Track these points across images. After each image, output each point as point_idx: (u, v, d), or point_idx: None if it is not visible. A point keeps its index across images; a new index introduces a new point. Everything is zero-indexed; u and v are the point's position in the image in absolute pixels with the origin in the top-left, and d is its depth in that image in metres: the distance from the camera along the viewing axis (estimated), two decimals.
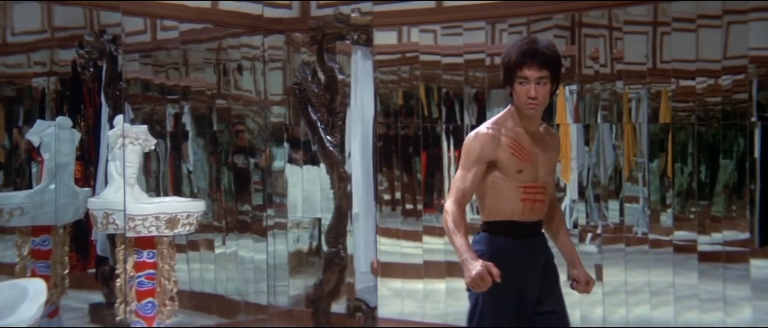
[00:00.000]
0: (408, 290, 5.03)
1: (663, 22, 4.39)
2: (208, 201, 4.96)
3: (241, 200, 5.25)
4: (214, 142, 5.22)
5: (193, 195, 5.05)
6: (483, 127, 2.95)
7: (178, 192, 5.04)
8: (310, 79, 4.92)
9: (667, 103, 4.41)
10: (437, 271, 4.92)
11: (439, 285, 4.92)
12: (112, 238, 4.77)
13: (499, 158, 2.89)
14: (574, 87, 4.61)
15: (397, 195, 5.05)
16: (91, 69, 5.04)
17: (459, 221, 2.84)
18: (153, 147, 4.60)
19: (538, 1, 4.66)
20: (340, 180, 4.91)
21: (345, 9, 4.80)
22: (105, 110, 5.03)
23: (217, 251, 5.17)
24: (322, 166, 4.98)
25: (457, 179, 2.92)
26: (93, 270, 5.14)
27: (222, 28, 5.07)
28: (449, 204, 2.88)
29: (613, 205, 4.56)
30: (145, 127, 4.57)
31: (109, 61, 5.00)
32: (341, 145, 4.91)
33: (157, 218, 4.40)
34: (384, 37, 4.94)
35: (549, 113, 4.50)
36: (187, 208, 4.55)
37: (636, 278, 4.48)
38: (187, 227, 4.53)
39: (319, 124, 4.92)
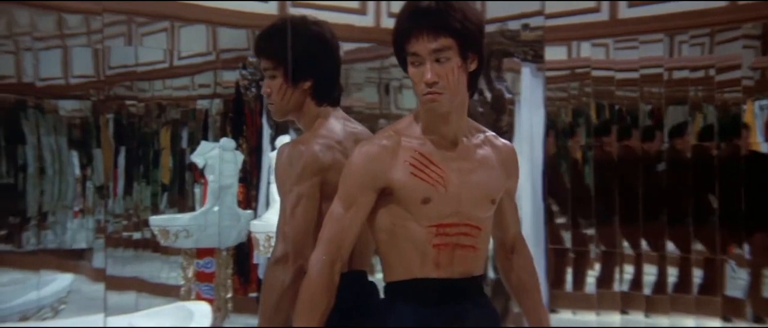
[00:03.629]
0: (580, 323, 4.74)
1: None
2: None
3: None
4: None
5: None
6: (372, 139, 2.02)
7: None
8: (475, 97, 4.74)
9: None
10: (612, 302, 4.60)
11: (614, 317, 4.60)
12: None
13: (394, 183, 1.94)
14: (765, 102, 4.21)
15: (561, 220, 4.78)
16: (253, 90, 5.04)
17: (321, 292, 1.92)
18: None
19: (722, 8, 4.31)
20: None
21: (513, 25, 4.60)
22: (267, 131, 5.02)
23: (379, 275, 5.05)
24: None
25: (330, 220, 1.96)
26: (255, 294, 5.12)
27: (385, 46, 4.98)
28: (315, 261, 1.93)
29: None
30: None
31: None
32: None
33: None
34: (552, 53, 4.70)
35: (734, 129, 4.13)
36: None
37: None
38: None
39: None
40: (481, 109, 4.69)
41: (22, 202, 4.33)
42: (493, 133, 2.14)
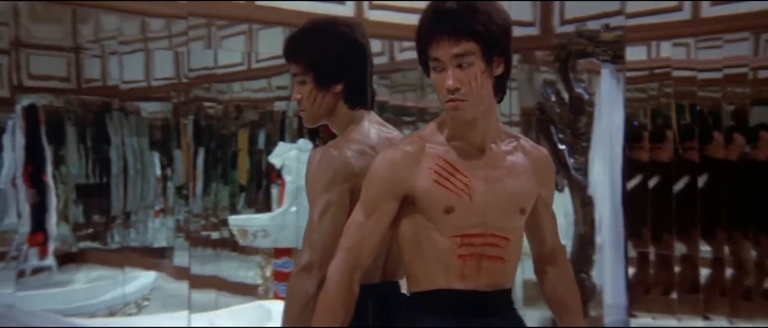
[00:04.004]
0: None
1: None
2: None
3: None
4: None
5: None
6: (396, 145, 1.93)
7: None
8: (552, 99, 4.68)
9: None
10: (693, 306, 4.49)
11: (696, 322, 4.49)
12: None
13: (417, 191, 1.86)
14: None
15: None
16: None
17: (340, 303, 1.85)
18: None
19: None
20: (584, 205, 4.61)
21: (592, 25, 4.53)
22: None
23: None
24: (565, 190, 4.71)
25: (350, 227, 1.89)
26: None
27: None
28: (334, 270, 1.86)
29: None
30: None
31: None
32: (585, 169, 4.62)
33: None
34: (631, 53, 4.62)
35: None
36: None
37: None
38: None
39: (561, 145, 4.66)
40: (558, 111, 4.64)
41: (107, 201, 4.45)
42: (526, 139, 2.03)
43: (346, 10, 4.63)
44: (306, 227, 2.02)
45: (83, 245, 4.36)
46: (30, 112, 4.17)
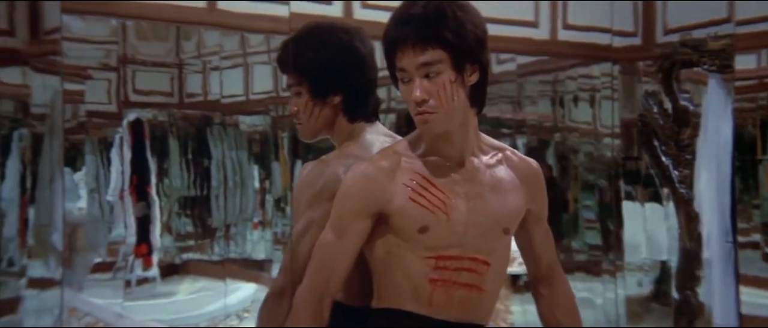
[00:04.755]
0: None
1: None
2: None
3: (572, 237, 4.99)
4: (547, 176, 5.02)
5: None
6: (369, 159, 1.79)
7: None
8: (655, 110, 4.55)
9: None
10: None
11: None
12: None
13: (390, 208, 1.72)
14: None
15: (757, 236, 4.50)
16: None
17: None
18: None
19: None
20: (689, 220, 4.47)
21: (698, 34, 4.39)
22: None
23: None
24: (668, 203, 4.58)
25: (319, 249, 1.73)
26: None
27: (558, 59, 4.89)
28: (301, 295, 1.71)
29: None
30: None
31: None
32: (690, 182, 4.47)
33: None
34: (739, 62, 4.45)
35: None
36: None
37: None
38: (524, 267, 4.34)
39: (665, 158, 4.53)
40: (661, 123, 4.50)
41: (208, 213, 4.53)
42: (514, 151, 1.90)
43: None
44: (288, 246, 1.92)
45: (186, 256, 4.45)
46: (135, 126, 4.29)
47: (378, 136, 1.99)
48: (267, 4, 4.08)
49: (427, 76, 1.68)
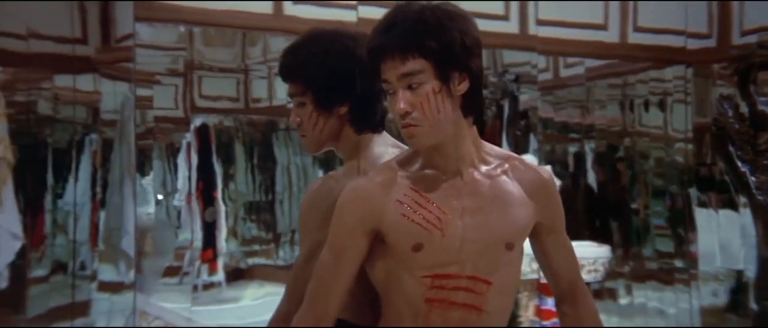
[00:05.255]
0: None
1: None
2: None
3: (643, 245, 4.88)
4: (616, 181, 4.92)
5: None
6: (366, 175, 1.73)
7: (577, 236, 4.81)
8: (730, 114, 4.41)
9: None
10: None
11: None
12: None
13: (384, 225, 1.64)
14: None
15: None
16: (493, 109, 5.01)
17: None
18: (557, 188, 4.42)
19: None
20: (767, 228, 4.31)
21: None
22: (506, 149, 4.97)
23: (622, 300, 4.82)
24: (743, 211, 4.43)
25: (317, 271, 1.67)
26: None
27: (628, 62, 4.79)
28: (298, 321, 1.66)
29: None
30: (548, 167, 4.40)
31: (511, 100, 4.94)
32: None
33: None
34: None
35: None
36: (593, 253, 4.27)
37: None
38: (593, 274, 4.25)
39: (741, 164, 4.38)
40: (737, 127, 4.36)
41: (273, 218, 4.55)
42: (521, 159, 1.77)
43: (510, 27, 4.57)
44: (292, 269, 1.81)
45: (251, 261, 4.47)
46: (202, 131, 4.33)
47: (386, 148, 1.88)
48: (334, 10, 4.07)
49: (410, 87, 1.59)
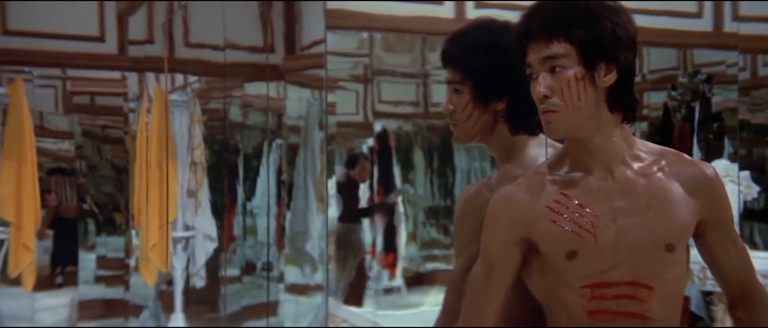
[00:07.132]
0: None
1: None
2: None
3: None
4: None
5: None
6: (513, 183, 1.62)
7: None
8: None
9: None
10: None
11: None
12: (708, 294, 4.41)
13: (535, 234, 1.55)
14: None
15: None
16: (683, 111, 4.77)
17: None
18: (755, 195, 4.15)
19: None
20: None
21: None
22: (696, 155, 4.71)
23: None
24: None
25: (470, 287, 1.59)
26: None
27: None
28: None
29: None
30: (746, 172, 4.14)
31: (703, 101, 4.68)
32: None
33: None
34: None
35: None
36: None
37: None
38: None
39: None
40: None
41: (452, 223, 4.54)
42: (681, 155, 1.61)
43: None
44: (449, 283, 1.73)
45: (431, 266, 4.47)
46: (382, 136, 4.39)
47: (542, 150, 1.78)
48: (517, 13, 4.01)
49: (551, 70, 1.52)
